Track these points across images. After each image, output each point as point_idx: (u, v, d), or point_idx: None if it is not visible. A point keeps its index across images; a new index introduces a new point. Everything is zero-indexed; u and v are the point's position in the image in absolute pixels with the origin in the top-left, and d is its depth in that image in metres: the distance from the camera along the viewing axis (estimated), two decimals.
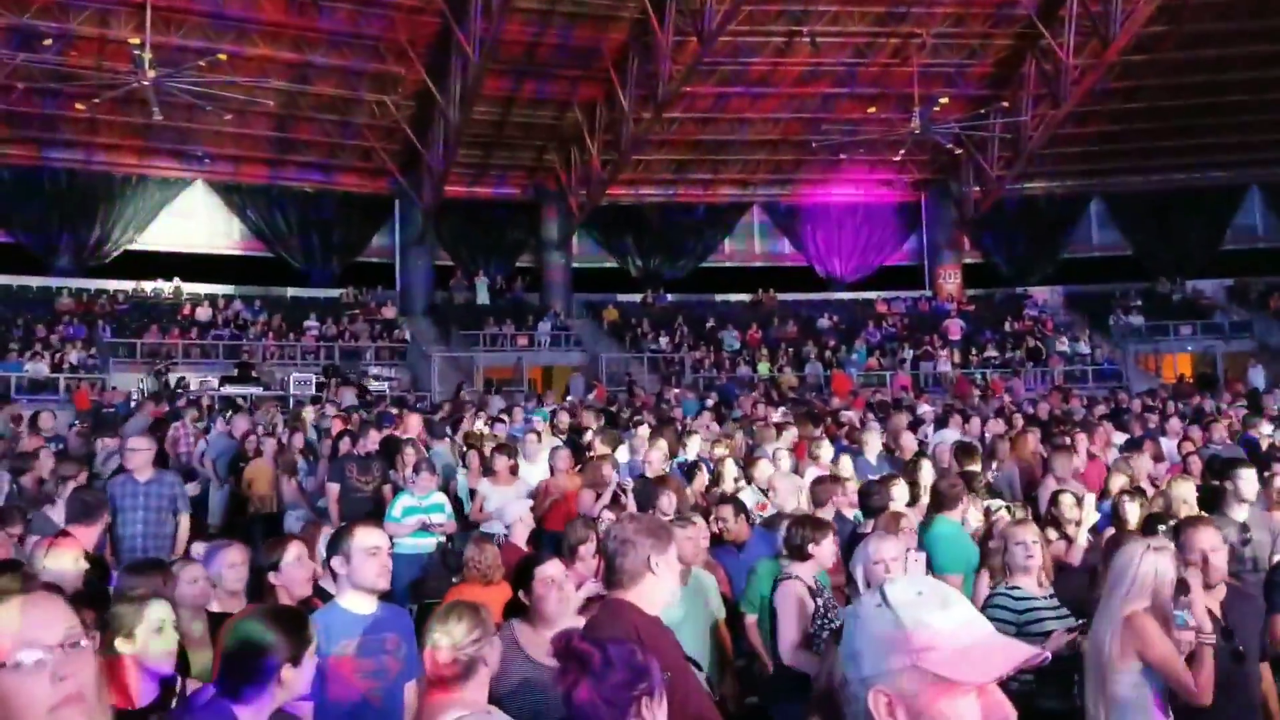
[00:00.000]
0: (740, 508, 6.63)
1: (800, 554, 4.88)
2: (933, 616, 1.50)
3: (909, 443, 10.53)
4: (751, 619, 5.48)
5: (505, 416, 12.80)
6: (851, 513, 6.91)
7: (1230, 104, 26.45)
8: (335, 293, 28.85)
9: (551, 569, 3.86)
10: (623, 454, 9.65)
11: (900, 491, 6.95)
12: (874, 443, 9.94)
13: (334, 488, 8.75)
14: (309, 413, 13.41)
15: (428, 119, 25.84)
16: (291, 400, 20.22)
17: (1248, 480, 6.35)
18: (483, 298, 29.43)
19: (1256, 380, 20.22)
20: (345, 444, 9.47)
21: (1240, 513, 6.23)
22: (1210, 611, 3.79)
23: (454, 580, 5.91)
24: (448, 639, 3.03)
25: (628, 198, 30.08)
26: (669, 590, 3.27)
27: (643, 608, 3.16)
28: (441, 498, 8.11)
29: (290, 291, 29.01)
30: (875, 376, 25.35)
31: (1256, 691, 4.00)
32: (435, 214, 27.97)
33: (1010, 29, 25.53)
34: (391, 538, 7.31)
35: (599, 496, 7.56)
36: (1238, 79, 25.51)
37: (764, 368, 25.53)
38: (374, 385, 22.20)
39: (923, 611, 1.50)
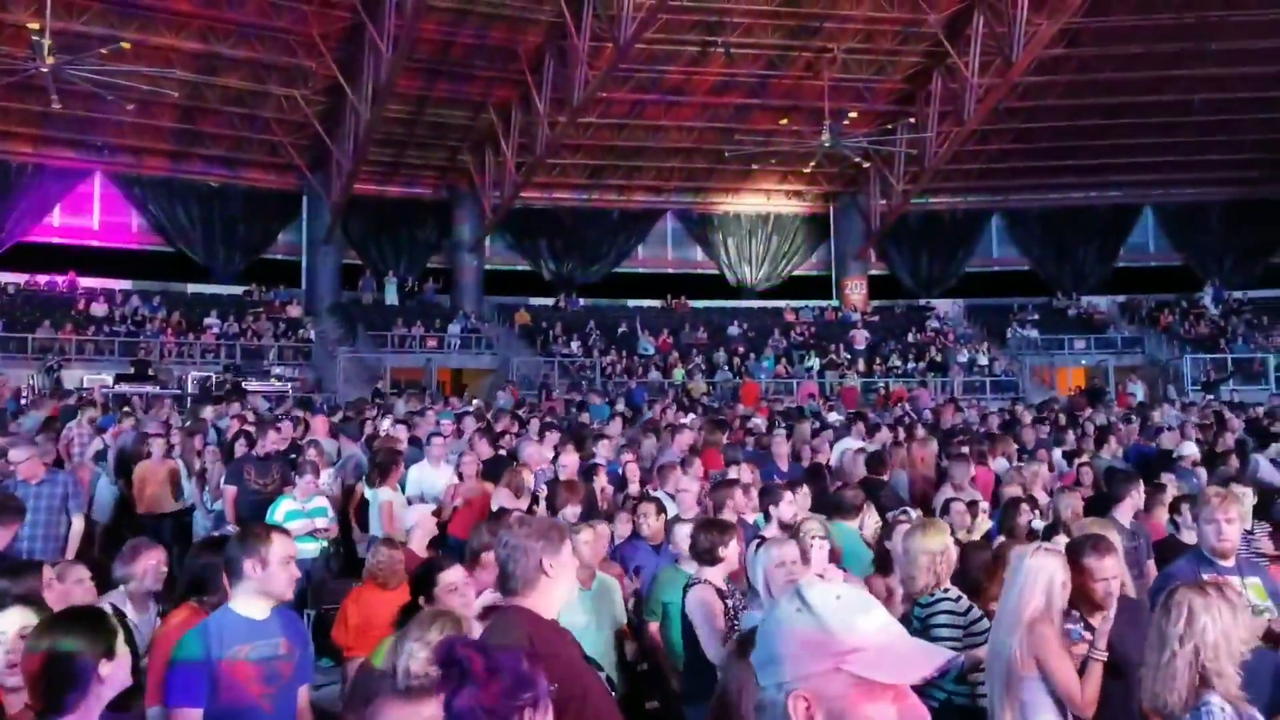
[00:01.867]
0: (661, 508, 6.65)
1: (709, 558, 4.91)
2: (855, 620, 1.52)
3: (821, 448, 10.74)
4: (654, 625, 5.51)
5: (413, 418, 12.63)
6: (752, 517, 6.98)
7: (1125, 126, 27.48)
8: (238, 290, 28.15)
9: (453, 574, 3.83)
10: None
11: (804, 497, 7.06)
12: (781, 449, 10.11)
13: (230, 490, 8.54)
14: (209, 411, 13.07)
15: (338, 115, 25.42)
16: (189, 399, 19.69)
17: (1136, 492, 6.63)
18: (392, 298, 29.04)
19: (1136, 394, 20.99)
20: (242, 445, 9.25)
21: (1127, 519, 6.49)
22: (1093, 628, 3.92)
23: (350, 584, 5.83)
24: (421, 647, 2.96)
25: (542, 201, 30.00)
26: (565, 592, 3.24)
27: (539, 612, 3.13)
28: (324, 501, 8.02)
29: (191, 288, 28.22)
30: (783, 384, 25.70)
31: (1136, 699, 4.14)
32: (344, 212, 27.50)
33: (918, 47, 26.15)
34: None
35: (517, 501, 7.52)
36: (1132, 103, 26.50)
37: (678, 374, 25.68)
38: (275, 385, 21.70)
39: (845, 615, 1.52)
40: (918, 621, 4.43)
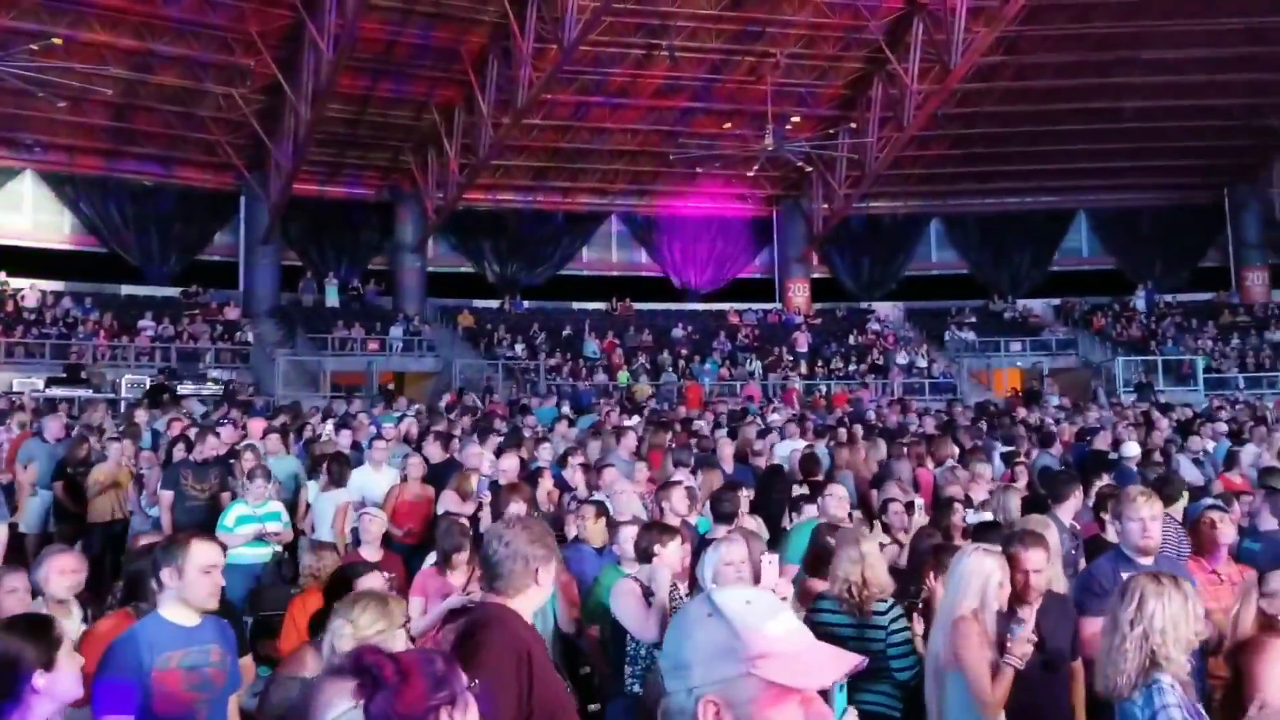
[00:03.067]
0: (602, 510, 6.66)
1: (645, 556, 4.93)
2: (764, 624, 1.53)
3: (764, 449, 10.84)
4: (593, 629, 5.52)
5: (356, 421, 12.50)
6: (695, 519, 7.02)
7: (1060, 133, 28.02)
8: (173, 291, 27.59)
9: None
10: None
11: (745, 500, 7.11)
12: (726, 451, 10.17)
13: (167, 495, 8.39)
14: (141, 415, 12.82)
15: (277, 114, 25.06)
16: (123, 403, 19.28)
17: (1075, 494, 6.77)
18: (332, 300, 28.67)
19: (1052, 400, 21.32)
20: (180, 449, 9.09)
21: (1068, 520, 6.63)
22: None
23: (292, 591, 5.75)
24: (350, 627, 2.97)
25: (485, 203, 29.85)
26: (543, 599, 3.29)
27: (522, 615, 3.16)
28: (278, 506, 7.90)
29: (124, 289, 27.61)
30: (726, 386, 25.85)
31: (1066, 694, 4.25)
32: (283, 212, 27.09)
33: (859, 53, 26.45)
34: (224, 547, 7.13)
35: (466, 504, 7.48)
36: (1067, 109, 27.06)
37: (624, 376, 25.70)
38: (208, 388, 21.32)
39: (755, 619, 1.53)
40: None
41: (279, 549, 7.81)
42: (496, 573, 3.15)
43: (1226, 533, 5.05)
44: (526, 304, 30.68)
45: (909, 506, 7.00)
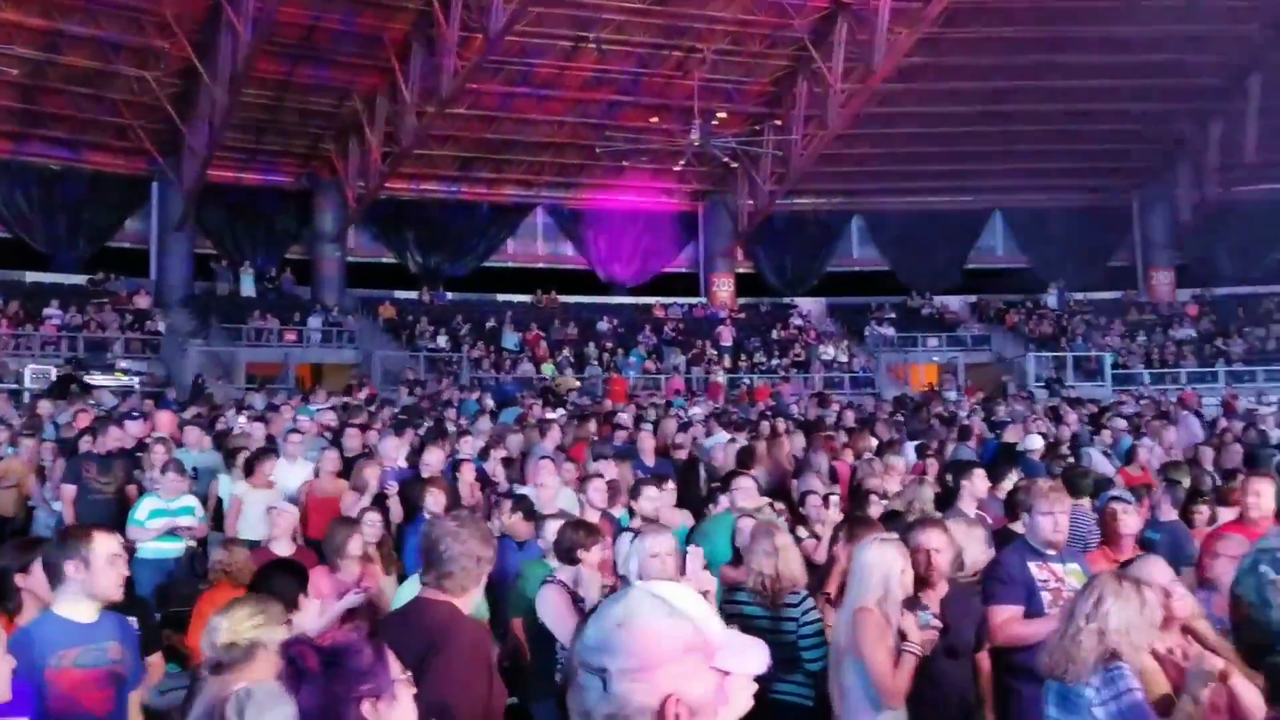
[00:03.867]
0: (526, 504, 6.64)
1: (568, 558, 4.92)
2: (710, 618, 1.58)
3: (685, 442, 10.89)
4: (516, 621, 5.51)
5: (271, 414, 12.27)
6: (619, 512, 7.04)
7: (977, 134, 28.59)
8: (81, 279, 26.75)
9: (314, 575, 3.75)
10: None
11: (670, 491, 7.16)
12: (646, 444, 10.21)
13: (69, 489, 8.13)
14: (45, 406, 12.42)
15: (192, 98, 24.43)
16: (26, 395, 18.64)
17: (978, 480, 6.94)
18: (248, 290, 28.03)
19: (950, 397, 21.67)
20: (86, 441, 8.83)
21: (971, 510, 6.79)
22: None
23: (201, 587, 5.63)
24: (227, 621, 2.94)
25: (408, 192, 29.48)
26: (479, 600, 3.32)
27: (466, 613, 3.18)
28: (192, 500, 7.71)
29: (30, 276, 26.69)
30: (651, 380, 25.96)
31: (971, 682, 4.35)
32: (198, 199, 26.43)
33: (785, 51, 26.70)
34: (135, 542, 6.96)
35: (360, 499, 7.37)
36: (985, 111, 27.63)
37: (548, 369, 25.62)
38: (120, 379, 20.72)
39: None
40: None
41: (192, 544, 7.64)
42: (446, 570, 3.13)
43: (1130, 524, 5.22)
44: (450, 295, 30.38)
45: (826, 499, 7.10)
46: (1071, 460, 9.69)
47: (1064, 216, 32.02)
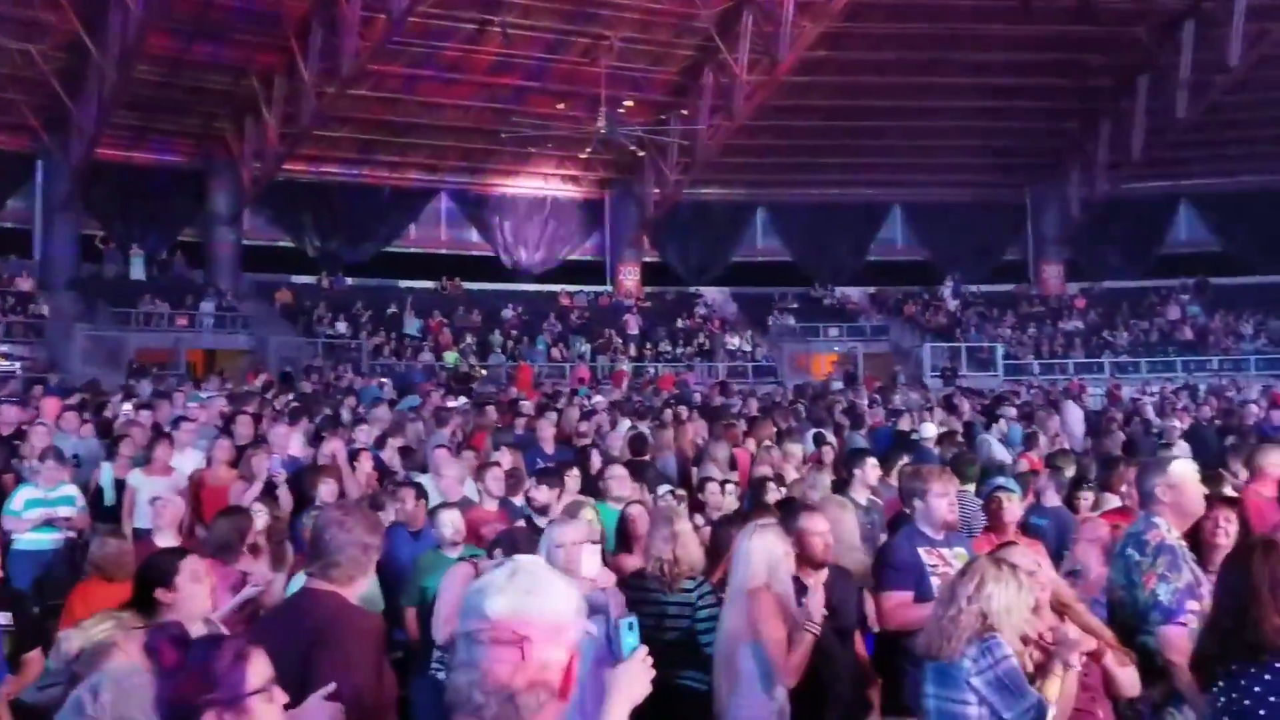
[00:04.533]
0: (421, 492, 6.58)
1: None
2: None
3: (588, 430, 10.89)
4: (410, 611, 5.45)
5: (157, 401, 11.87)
6: (520, 500, 7.01)
7: (878, 129, 29.18)
8: None
9: (188, 564, 3.65)
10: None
11: (574, 479, 7.15)
12: (546, 432, 10.18)
13: None
14: None
15: (80, 74, 23.45)
16: None
17: (869, 469, 7.10)
18: (137, 272, 27.06)
19: (836, 386, 22.13)
20: None
21: (863, 497, 6.94)
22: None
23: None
24: (76, 632, 2.86)
25: (307, 174, 28.80)
26: (366, 588, 3.25)
27: (353, 603, 3.11)
28: (72, 489, 7.44)
29: None
30: (557, 368, 25.88)
31: (857, 664, 4.46)
32: (85, 178, 25.42)
33: (692, 41, 26.79)
34: (11, 533, 6.68)
35: (250, 488, 7.20)
36: (885, 106, 28.16)
37: (451, 357, 25.33)
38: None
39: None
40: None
41: (72, 534, 7.37)
42: (332, 560, 3.06)
43: (1013, 510, 5.39)
44: (349, 281, 29.81)
45: (723, 485, 7.17)
46: (965, 447, 9.95)
47: (960, 211, 32.85)
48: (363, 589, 3.18)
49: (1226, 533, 4.25)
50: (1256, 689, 2.72)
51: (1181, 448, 9.38)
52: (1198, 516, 4.10)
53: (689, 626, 4.56)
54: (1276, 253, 31.65)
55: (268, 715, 1.68)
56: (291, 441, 8.46)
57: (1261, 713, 2.69)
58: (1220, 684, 2.82)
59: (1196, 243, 33.12)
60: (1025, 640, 3.40)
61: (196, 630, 3.58)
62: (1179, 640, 3.66)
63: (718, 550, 5.15)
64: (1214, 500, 4.39)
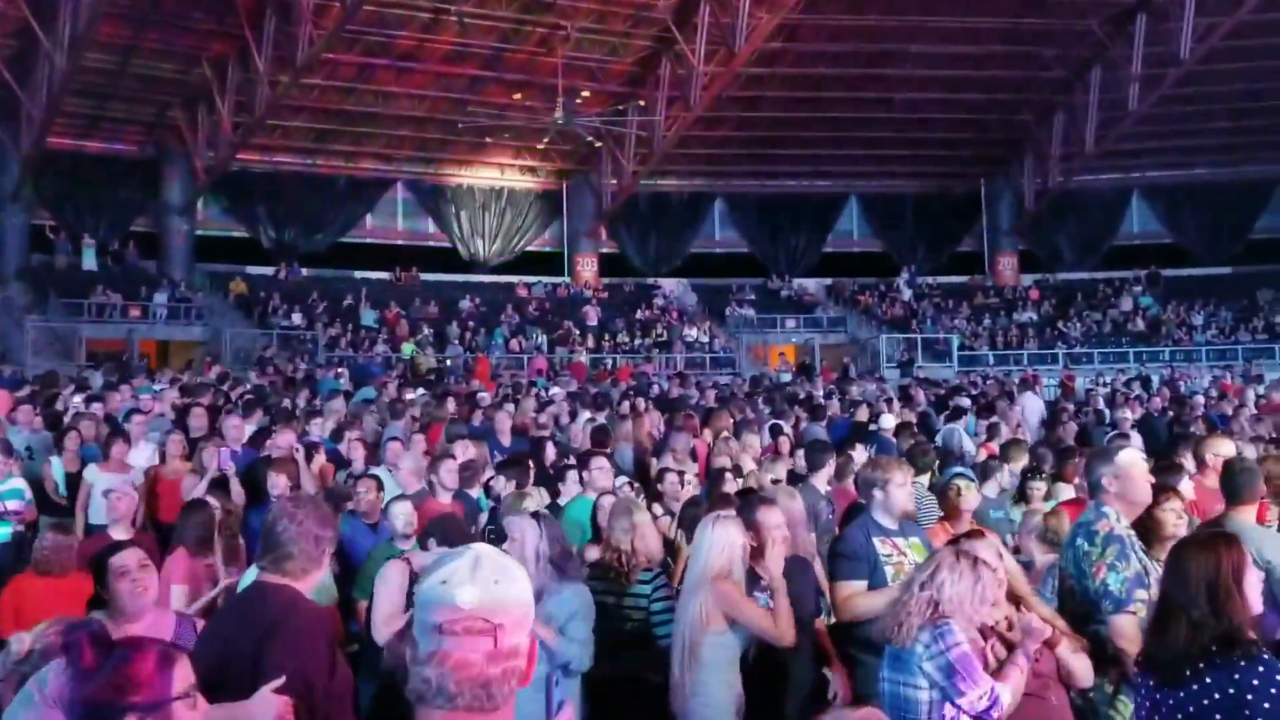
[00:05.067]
0: (380, 485, 6.57)
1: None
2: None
3: (547, 422, 10.88)
4: (363, 604, 5.41)
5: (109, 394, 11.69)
6: (475, 492, 6.99)
7: (834, 120, 29.31)
8: None
9: (124, 558, 3.60)
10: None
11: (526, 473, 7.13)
12: (503, 424, 10.15)
13: None
14: None
15: (30, 61, 22.94)
16: None
17: (827, 459, 7.14)
18: (89, 263, 26.57)
19: (783, 377, 22.26)
20: None
21: (823, 487, 6.98)
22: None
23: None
24: (30, 632, 2.83)
25: (261, 164, 28.45)
26: (320, 580, 3.24)
27: (307, 595, 3.09)
28: (20, 483, 7.33)
29: None
30: (514, 359, 25.78)
31: (815, 653, 4.50)
32: (35, 166, 24.92)
33: (649, 31, 26.72)
34: None
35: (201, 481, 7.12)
36: (841, 98, 28.30)
37: (408, 348, 25.14)
38: None
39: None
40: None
41: (20, 528, 7.25)
42: (286, 553, 3.04)
43: (969, 500, 5.45)
44: (305, 271, 29.49)
45: (681, 476, 7.19)
46: (922, 438, 10.05)
47: (916, 203, 33.15)
48: (319, 581, 3.16)
49: (1178, 525, 4.33)
50: (1255, 682, 2.72)
51: (1134, 439, 9.53)
52: (1145, 506, 4.17)
53: (643, 618, 4.56)
54: (1226, 244, 32.35)
55: (189, 716, 1.66)
56: (243, 434, 8.35)
57: (1266, 706, 2.69)
58: (1207, 679, 2.79)
59: (1148, 234, 33.67)
60: (986, 632, 3.45)
61: (144, 625, 3.54)
62: (1129, 628, 3.73)
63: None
64: (1165, 491, 4.45)
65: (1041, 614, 3.74)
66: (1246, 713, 2.69)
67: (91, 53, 22.16)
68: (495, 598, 1.60)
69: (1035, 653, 3.50)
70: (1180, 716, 2.81)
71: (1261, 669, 2.74)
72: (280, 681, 2.59)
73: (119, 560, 3.59)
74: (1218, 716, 2.71)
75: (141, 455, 8.31)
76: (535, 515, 4.57)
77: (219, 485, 6.61)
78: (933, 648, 3.31)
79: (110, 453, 7.82)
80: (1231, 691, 2.73)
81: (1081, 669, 3.70)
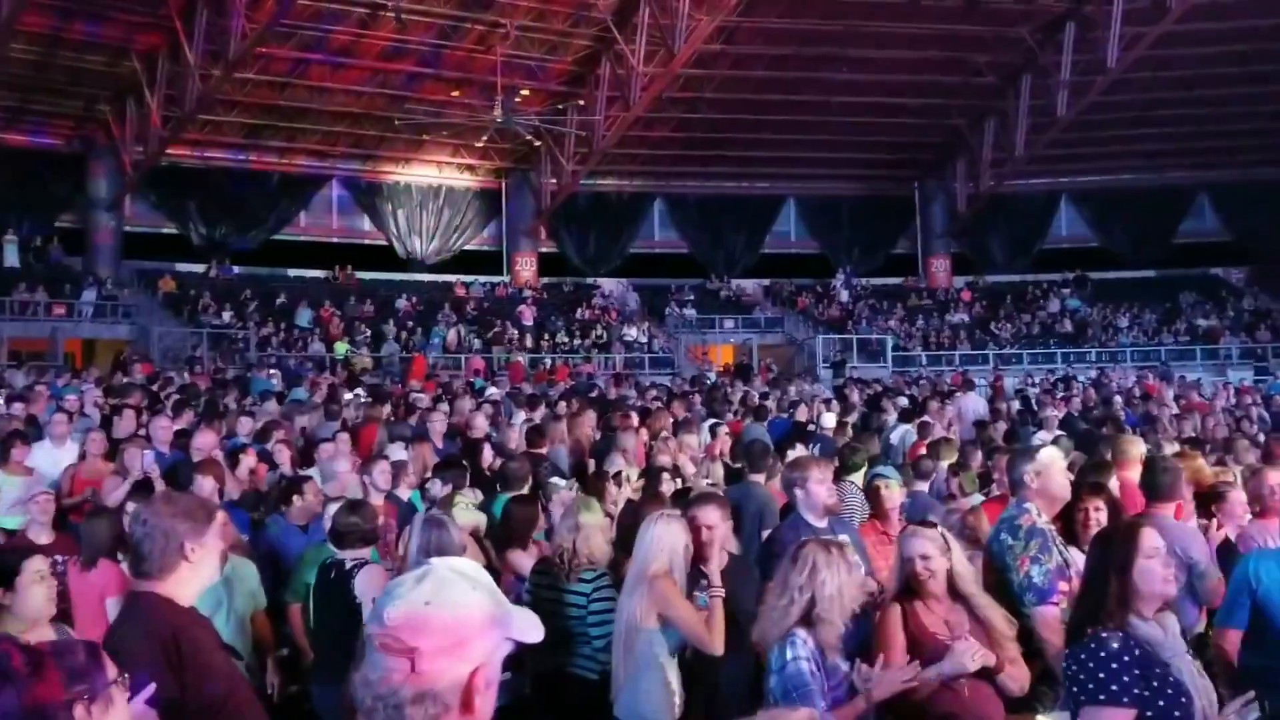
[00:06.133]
0: (313, 486, 6.46)
1: (351, 540, 4.81)
2: (499, 592, 1.64)
3: (480, 424, 10.79)
4: (295, 607, 5.34)
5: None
6: (406, 493, 6.92)
7: (772, 123, 29.55)
8: None
9: (32, 564, 3.50)
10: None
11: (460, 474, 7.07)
12: (440, 424, 10.07)
13: None
14: None
15: None
16: None
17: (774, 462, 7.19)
18: (11, 259, 25.88)
19: (710, 378, 22.30)
20: None
21: (765, 486, 7.02)
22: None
23: None
24: None
25: (192, 159, 27.89)
26: (206, 577, 3.06)
27: (176, 599, 2.93)
28: None
29: None
30: (452, 359, 25.59)
31: (752, 653, 4.53)
32: None
33: (589, 30, 26.69)
34: None
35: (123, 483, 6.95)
36: (779, 101, 28.53)
37: (341, 347, 24.81)
38: None
39: (495, 588, 1.64)
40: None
41: None
42: (139, 554, 2.93)
43: (892, 497, 5.54)
44: (237, 269, 28.97)
45: (616, 477, 7.19)
46: (856, 438, 10.15)
47: (852, 205, 33.54)
48: (194, 580, 2.97)
49: (1098, 521, 4.44)
50: (1080, 657, 2.82)
51: (1058, 437, 9.74)
52: (1065, 501, 4.27)
53: (581, 616, 4.57)
54: (1151, 248, 33.20)
55: (123, 703, 1.65)
56: (169, 434, 8.17)
57: (1076, 680, 2.79)
58: (1067, 657, 2.93)
59: (1076, 238, 34.44)
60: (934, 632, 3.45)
61: (41, 633, 3.42)
62: (1052, 620, 3.81)
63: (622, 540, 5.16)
64: (1084, 489, 4.56)
65: (987, 616, 3.72)
66: (1074, 689, 2.82)
67: (15, 44, 21.59)
68: (420, 619, 1.52)
69: (948, 628, 3.52)
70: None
71: (1079, 650, 2.84)
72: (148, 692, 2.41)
73: (32, 566, 3.49)
74: (1072, 689, 2.84)
75: (66, 455, 8.10)
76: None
77: (143, 488, 6.46)
78: (776, 662, 3.36)
79: (10, 454, 7.53)
80: (1071, 666, 2.84)
81: (1018, 686, 3.68)
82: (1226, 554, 4.89)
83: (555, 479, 7.23)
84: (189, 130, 25.52)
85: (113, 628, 2.85)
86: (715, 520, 4.38)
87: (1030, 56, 27.90)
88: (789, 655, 3.31)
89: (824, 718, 3.19)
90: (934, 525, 3.90)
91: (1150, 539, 2.99)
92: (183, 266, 28.32)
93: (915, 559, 3.68)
